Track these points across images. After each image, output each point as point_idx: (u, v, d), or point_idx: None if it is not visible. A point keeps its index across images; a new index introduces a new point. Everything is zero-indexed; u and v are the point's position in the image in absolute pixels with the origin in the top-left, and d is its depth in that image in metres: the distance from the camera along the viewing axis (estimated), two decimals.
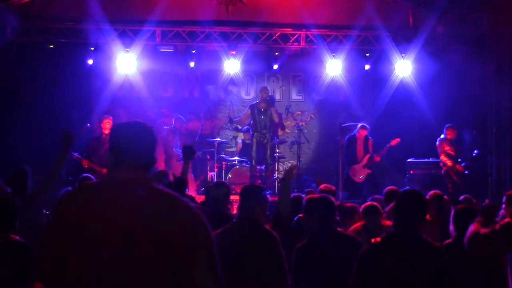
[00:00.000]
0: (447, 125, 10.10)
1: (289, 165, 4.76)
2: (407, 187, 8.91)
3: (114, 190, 2.06)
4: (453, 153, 9.98)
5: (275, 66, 11.61)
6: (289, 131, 12.24)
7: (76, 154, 9.18)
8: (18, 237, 3.73)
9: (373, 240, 3.26)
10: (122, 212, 1.98)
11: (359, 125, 10.56)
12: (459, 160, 10.00)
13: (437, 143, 10.11)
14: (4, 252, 3.59)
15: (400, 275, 3.05)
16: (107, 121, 9.71)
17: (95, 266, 1.92)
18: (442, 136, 10.09)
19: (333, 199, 3.97)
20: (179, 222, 2.00)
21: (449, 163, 9.90)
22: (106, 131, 9.57)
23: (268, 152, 10.49)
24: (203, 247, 2.01)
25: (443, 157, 10.00)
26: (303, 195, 6.55)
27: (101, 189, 2.11)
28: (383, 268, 3.08)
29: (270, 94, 10.92)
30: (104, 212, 1.98)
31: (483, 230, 3.72)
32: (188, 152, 5.40)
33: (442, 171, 10.05)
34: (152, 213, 1.99)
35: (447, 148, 10.00)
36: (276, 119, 10.62)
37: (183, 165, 5.58)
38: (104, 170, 9.13)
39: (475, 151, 10.20)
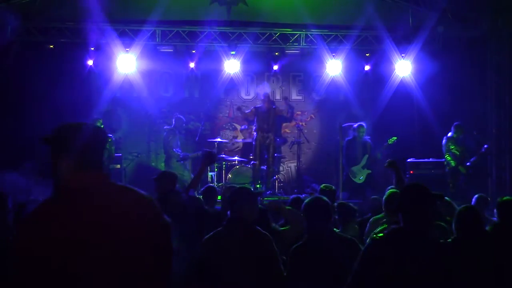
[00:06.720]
0: (454, 124, 10.01)
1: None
2: None
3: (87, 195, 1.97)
4: (458, 153, 9.92)
5: (275, 67, 11.62)
6: (289, 131, 12.23)
7: None
8: None
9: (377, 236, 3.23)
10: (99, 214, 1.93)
11: (356, 125, 10.53)
12: (465, 159, 9.94)
13: (443, 141, 10.05)
14: None
15: (404, 272, 3.04)
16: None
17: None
18: (449, 134, 10.02)
19: (327, 200, 3.96)
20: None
21: (452, 163, 9.87)
22: None
23: (271, 152, 10.49)
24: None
25: (447, 157, 9.96)
26: (302, 196, 6.59)
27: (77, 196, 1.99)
28: (387, 264, 3.06)
29: (272, 100, 11.00)
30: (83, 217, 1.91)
31: None
32: (210, 158, 5.25)
33: (446, 170, 10.02)
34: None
35: (452, 147, 9.94)
36: (286, 114, 10.59)
37: (199, 169, 5.37)
38: None
39: (485, 146, 10.14)
